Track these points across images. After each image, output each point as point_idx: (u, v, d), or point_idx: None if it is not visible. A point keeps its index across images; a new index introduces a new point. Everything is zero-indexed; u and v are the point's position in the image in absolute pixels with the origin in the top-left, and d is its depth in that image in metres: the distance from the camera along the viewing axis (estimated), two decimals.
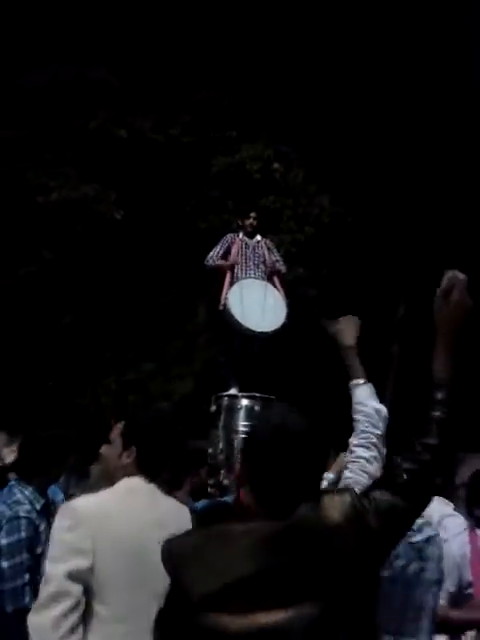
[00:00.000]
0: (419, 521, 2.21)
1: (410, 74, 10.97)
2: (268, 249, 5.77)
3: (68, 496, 3.17)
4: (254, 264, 5.61)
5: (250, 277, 5.54)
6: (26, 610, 1.91)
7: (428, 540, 2.36)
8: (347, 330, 2.45)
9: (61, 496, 3.41)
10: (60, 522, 1.85)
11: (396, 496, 1.40)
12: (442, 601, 2.54)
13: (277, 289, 5.63)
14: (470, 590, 2.74)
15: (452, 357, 1.51)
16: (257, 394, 5.12)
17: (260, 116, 11.31)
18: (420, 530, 2.33)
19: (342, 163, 10.91)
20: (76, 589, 1.76)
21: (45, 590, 1.77)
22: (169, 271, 11.08)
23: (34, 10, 10.79)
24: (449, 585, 2.63)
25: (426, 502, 1.48)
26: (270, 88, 11.11)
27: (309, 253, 11.03)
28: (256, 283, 5.51)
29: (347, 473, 2.03)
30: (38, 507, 2.63)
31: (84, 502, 1.89)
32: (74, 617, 1.74)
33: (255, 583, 1.29)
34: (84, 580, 1.78)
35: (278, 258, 5.82)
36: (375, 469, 1.99)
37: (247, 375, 5.37)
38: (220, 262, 5.58)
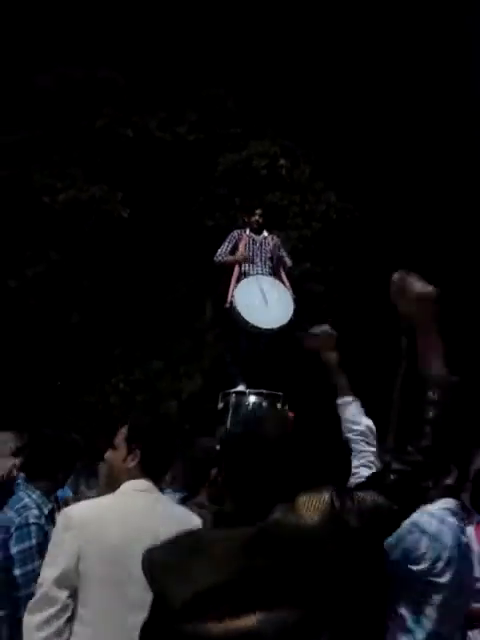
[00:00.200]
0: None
1: (413, 72, 10.94)
2: (275, 245, 5.74)
3: (77, 494, 3.18)
4: (261, 260, 5.59)
5: (257, 273, 5.51)
6: None
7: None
8: (326, 346, 2.44)
9: (70, 493, 3.42)
10: (56, 527, 1.94)
11: (382, 496, 1.36)
12: None
13: (284, 285, 5.60)
14: (479, 585, 2.71)
15: (439, 352, 1.43)
16: (264, 391, 5.10)
17: (266, 113, 11.30)
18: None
19: (348, 159, 10.88)
20: (62, 595, 1.81)
21: (36, 593, 1.86)
22: (176, 269, 11.08)
23: (39, 12, 10.82)
24: None
25: (416, 502, 1.43)
26: (275, 85, 11.10)
27: (316, 249, 11.00)
28: (263, 279, 5.48)
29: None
30: (46, 511, 2.63)
31: (78, 508, 1.94)
32: (59, 622, 1.80)
33: (231, 589, 1.28)
34: (71, 584, 1.82)
35: (285, 254, 5.79)
36: None
37: (254, 372, 5.35)
38: (229, 257, 5.57)
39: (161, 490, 3.02)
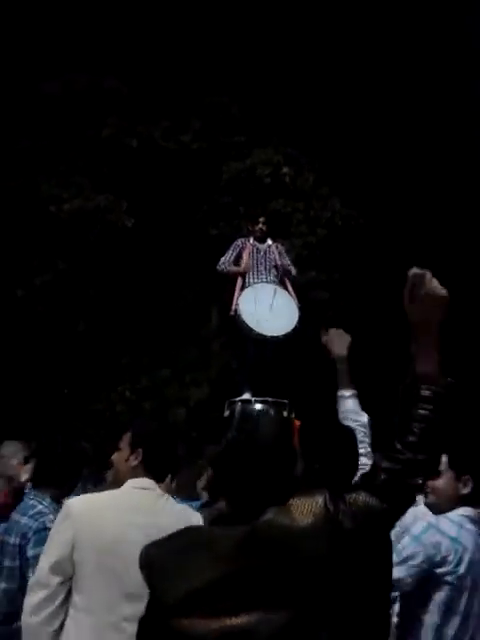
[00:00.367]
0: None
1: (414, 76, 10.97)
2: (279, 253, 5.77)
3: None
4: (265, 268, 5.62)
5: (261, 282, 5.54)
6: None
7: None
8: (337, 341, 2.52)
9: None
10: (57, 517, 2.04)
11: (374, 497, 1.37)
12: None
13: (289, 293, 5.62)
14: None
15: (436, 353, 1.42)
16: (270, 399, 5.11)
17: (270, 121, 11.34)
18: None
19: (352, 165, 10.90)
20: (54, 581, 1.90)
21: (33, 579, 1.97)
22: (182, 278, 11.12)
23: (44, 20, 10.92)
24: None
25: (407, 502, 1.43)
26: (279, 93, 11.14)
27: (321, 256, 11.01)
28: (267, 287, 5.51)
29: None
30: None
31: (78, 499, 2.03)
32: (51, 607, 1.89)
33: (224, 587, 1.30)
34: (64, 571, 1.90)
35: (289, 262, 5.82)
36: None
37: (260, 380, 5.36)
38: (232, 268, 5.59)
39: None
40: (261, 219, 5.78)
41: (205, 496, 4.01)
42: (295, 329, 5.31)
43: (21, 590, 2.44)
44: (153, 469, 2.04)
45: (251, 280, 5.53)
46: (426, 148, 11.14)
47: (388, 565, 2.05)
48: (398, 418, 1.42)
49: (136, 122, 11.13)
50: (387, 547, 2.02)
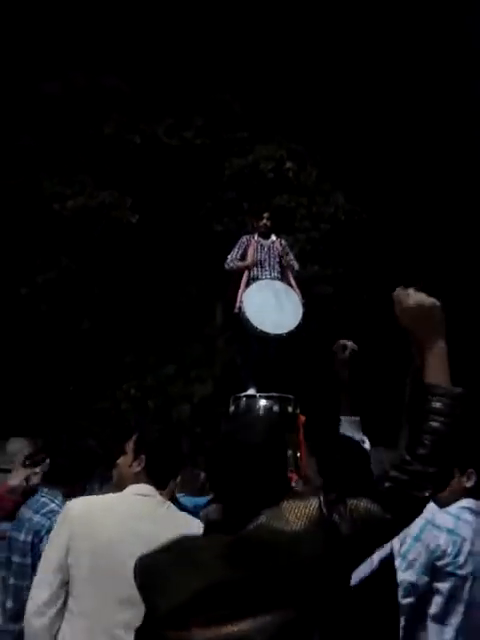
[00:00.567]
0: None
1: (416, 73, 10.95)
2: (283, 249, 5.76)
3: None
4: (269, 265, 5.60)
5: (266, 278, 5.53)
6: None
7: None
8: (345, 362, 2.53)
9: None
10: (57, 519, 2.05)
11: (376, 505, 1.34)
12: None
13: (293, 289, 5.61)
14: None
15: (444, 363, 1.41)
16: (275, 394, 5.12)
17: (272, 116, 11.32)
18: None
19: (355, 160, 10.88)
20: (56, 582, 1.91)
21: (35, 579, 1.98)
22: (186, 274, 11.12)
23: (44, 20, 10.91)
24: None
25: (412, 513, 1.39)
26: (281, 88, 11.12)
27: (325, 251, 11.00)
28: (271, 284, 5.49)
29: None
30: None
31: (78, 502, 2.01)
32: (53, 608, 1.90)
33: (216, 595, 1.29)
34: (63, 573, 1.91)
35: (292, 258, 5.80)
36: None
37: (265, 375, 5.37)
38: (239, 263, 5.60)
39: (174, 497, 3.04)
40: (265, 214, 5.75)
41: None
42: (299, 326, 5.30)
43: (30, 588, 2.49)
44: (155, 476, 2.04)
45: (255, 276, 5.52)
46: (428, 144, 11.11)
47: (389, 572, 2.05)
48: (408, 429, 1.40)
49: (139, 119, 11.13)
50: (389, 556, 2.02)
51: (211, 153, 11.32)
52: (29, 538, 2.50)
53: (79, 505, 1.99)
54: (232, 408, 5.31)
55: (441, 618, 2.16)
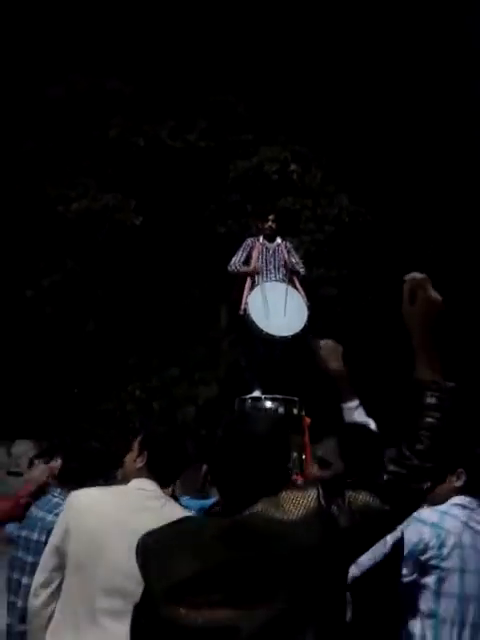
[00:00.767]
0: None
1: (418, 73, 10.95)
2: (288, 252, 5.76)
3: None
4: (274, 267, 5.60)
5: (271, 280, 5.53)
6: None
7: None
8: (331, 356, 2.54)
9: None
10: None
11: (375, 497, 1.35)
12: None
13: (298, 291, 5.61)
14: None
15: (437, 358, 1.43)
16: (280, 396, 5.12)
17: (276, 118, 11.32)
18: None
19: (359, 162, 10.88)
20: (50, 566, 2.01)
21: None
22: (190, 276, 11.13)
23: (47, 25, 10.95)
24: None
25: (410, 507, 1.41)
26: (285, 90, 11.13)
27: (329, 253, 11.00)
28: (277, 286, 5.49)
29: None
30: None
31: (82, 491, 2.07)
32: (47, 589, 2.01)
33: (208, 579, 1.31)
34: (60, 557, 1.99)
35: (298, 260, 5.80)
36: None
37: (270, 377, 5.37)
38: (243, 268, 5.60)
39: (177, 497, 3.05)
40: (270, 217, 5.75)
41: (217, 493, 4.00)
42: (304, 328, 5.30)
43: None
44: (157, 472, 2.07)
45: (260, 279, 5.52)
46: (431, 146, 11.11)
47: (397, 556, 2.06)
48: (406, 425, 1.42)
49: (142, 122, 11.15)
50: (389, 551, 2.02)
51: (215, 155, 11.33)
52: (43, 538, 2.51)
53: (80, 495, 2.04)
54: (236, 411, 5.30)
55: (432, 613, 2.15)
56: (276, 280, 5.54)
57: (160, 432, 2.15)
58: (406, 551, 2.15)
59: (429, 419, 1.38)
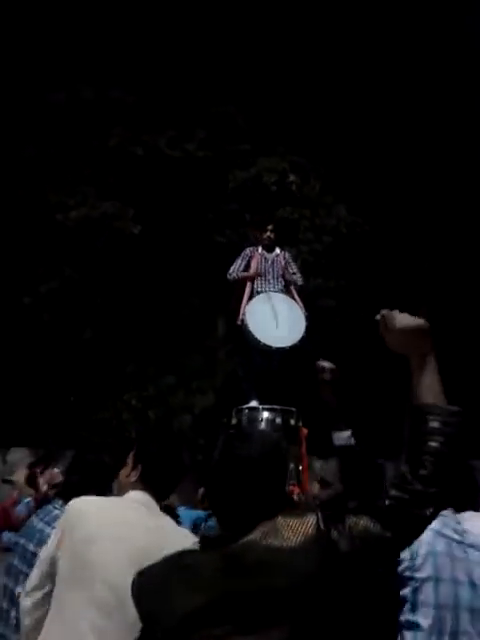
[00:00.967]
0: None
1: (418, 81, 11.00)
2: (287, 262, 5.76)
3: None
4: (273, 277, 5.60)
5: (269, 291, 5.53)
6: None
7: None
8: (330, 385, 2.57)
9: None
10: None
11: (376, 523, 1.33)
12: None
13: (296, 302, 5.61)
14: None
15: (438, 381, 1.42)
16: (277, 406, 5.11)
17: (275, 129, 11.37)
18: None
19: (358, 173, 10.92)
20: (41, 571, 2.01)
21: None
22: (188, 285, 11.13)
23: (50, 32, 11.00)
24: None
25: (413, 532, 1.38)
26: (284, 101, 11.18)
27: (327, 263, 11.02)
28: (275, 297, 5.49)
29: None
30: None
31: (79, 499, 2.05)
32: (37, 593, 2.01)
33: (212, 613, 1.28)
34: (50, 565, 1.98)
35: (296, 271, 5.81)
36: None
37: (267, 388, 5.35)
38: (243, 273, 5.60)
39: (172, 507, 3.04)
40: (269, 227, 5.75)
41: None
42: (302, 339, 5.30)
43: None
44: (151, 485, 2.05)
45: (259, 289, 5.52)
46: (430, 156, 11.15)
47: (390, 592, 2.04)
48: (407, 450, 1.40)
49: (142, 131, 11.19)
50: (389, 575, 2.00)
51: (214, 165, 11.37)
52: (39, 550, 2.49)
53: (77, 503, 2.02)
54: (234, 420, 5.30)
55: (410, 624, 2.14)
56: (274, 290, 5.54)
57: (154, 445, 2.13)
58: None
59: (432, 443, 1.35)
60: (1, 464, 9.00)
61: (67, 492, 2.72)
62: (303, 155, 11.41)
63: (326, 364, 2.63)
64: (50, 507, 2.71)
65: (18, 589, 2.54)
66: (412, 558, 2.14)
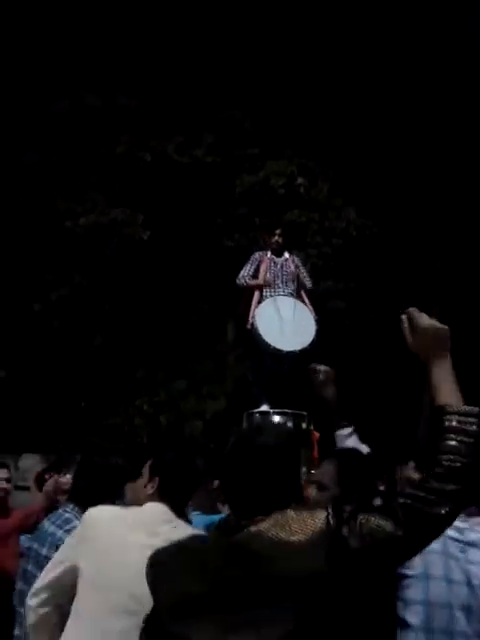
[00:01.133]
0: None
1: (423, 82, 10.97)
2: (296, 266, 5.76)
3: None
4: (282, 282, 5.60)
5: (279, 295, 5.53)
6: None
7: None
8: (326, 383, 2.60)
9: None
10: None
11: (389, 521, 1.32)
12: None
13: (306, 306, 5.60)
14: None
15: (453, 382, 1.44)
16: (288, 410, 5.10)
17: (283, 132, 11.38)
18: None
19: (366, 175, 10.89)
20: (50, 575, 2.03)
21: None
22: (197, 290, 11.15)
23: (55, 40, 11.07)
24: None
25: (427, 532, 1.36)
26: (291, 104, 11.19)
27: (336, 266, 11.00)
28: (285, 301, 5.49)
29: None
30: None
31: (97, 509, 2.06)
32: (42, 594, 2.03)
33: (212, 598, 1.30)
34: (62, 570, 1.99)
35: (305, 275, 5.80)
36: None
37: (278, 392, 5.35)
38: (252, 281, 5.61)
39: (185, 513, 3.03)
40: (277, 231, 5.76)
41: (226, 510, 3.99)
42: (313, 342, 5.29)
43: None
44: (169, 498, 2.05)
45: (268, 293, 5.52)
46: (438, 158, 11.11)
47: (392, 589, 2.02)
48: (423, 449, 1.41)
49: (149, 137, 11.23)
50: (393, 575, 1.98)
51: (222, 170, 11.39)
52: (52, 554, 2.49)
53: (95, 512, 2.04)
54: (245, 424, 5.29)
55: (400, 621, 2.11)
56: (284, 294, 5.53)
57: (170, 457, 2.14)
58: None
59: (450, 442, 1.36)
60: (13, 470, 9.02)
61: (76, 495, 2.72)
62: (311, 158, 11.40)
63: (319, 366, 2.69)
64: (60, 510, 2.71)
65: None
66: None
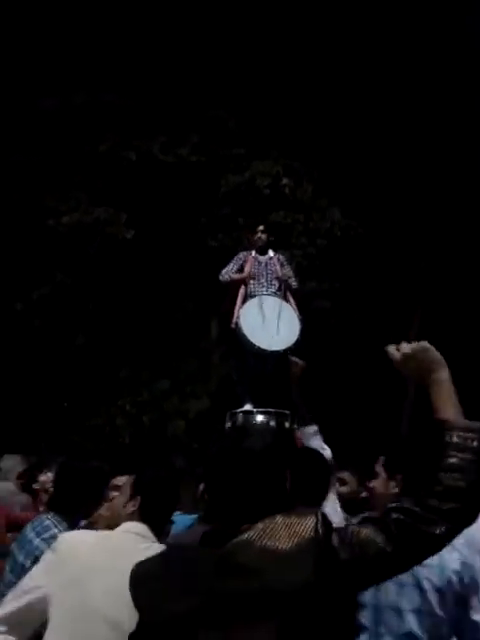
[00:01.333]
0: None
1: (413, 83, 11.00)
2: (280, 264, 5.75)
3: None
4: (267, 280, 5.59)
5: (262, 294, 5.52)
6: None
7: None
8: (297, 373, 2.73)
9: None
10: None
11: (381, 534, 1.29)
12: None
13: (290, 305, 5.59)
14: None
15: (449, 396, 1.42)
16: (272, 409, 5.08)
17: (268, 132, 11.38)
18: None
19: (351, 175, 10.92)
20: (10, 607, 1.90)
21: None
22: (181, 290, 11.11)
23: (42, 37, 10.98)
24: None
25: (420, 550, 1.32)
26: (277, 104, 11.19)
27: (321, 266, 11.02)
28: (269, 300, 5.47)
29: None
30: None
31: (70, 534, 2.02)
32: (1, 627, 1.89)
33: (202, 611, 1.27)
34: (27, 598, 1.88)
35: (290, 274, 5.79)
36: None
37: (262, 391, 5.33)
38: (236, 275, 5.59)
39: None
40: (260, 228, 5.75)
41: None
42: (297, 342, 5.28)
43: None
44: (149, 518, 2.00)
45: (252, 292, 5.50)
46: (425, 156, 11.17)
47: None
48: (420, 469, 1.37)
49: (134, 136, 11.17)
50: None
51: (207, 170, 11.36)
52: (28, 562, 2.44)
53: (67, 538, 1.97)
54: (229, 424, 5.27)
55: (371, 629, 2.09)
56: (268, 293, 5.52)
57: (153, 477, 2.09)
58: None
59: (451, 459, 1.32)
60: None
61: (56, 503, 2.67)
62: (296, 158, 11.42)
63: (300, 362, 2.81)
64: (43, 517, 2.66)
65: (9, 596, 2.50)
66: None
